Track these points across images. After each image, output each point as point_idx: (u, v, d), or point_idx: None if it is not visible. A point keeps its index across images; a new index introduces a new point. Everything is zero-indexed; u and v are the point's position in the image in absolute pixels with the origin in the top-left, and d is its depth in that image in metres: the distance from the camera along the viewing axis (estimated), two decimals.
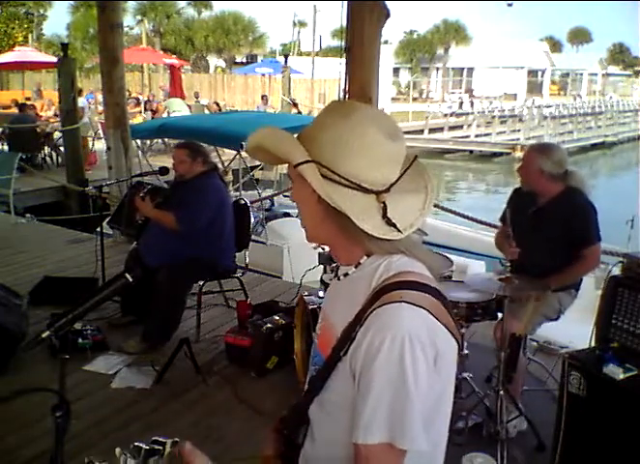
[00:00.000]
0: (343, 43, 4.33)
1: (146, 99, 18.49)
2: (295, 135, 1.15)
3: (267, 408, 3.18)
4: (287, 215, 8.02)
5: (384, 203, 1.08)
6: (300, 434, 1.18)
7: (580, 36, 75.06)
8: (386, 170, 1.10)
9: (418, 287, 1.05)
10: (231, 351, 3.84)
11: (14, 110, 13.13)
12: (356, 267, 1.15)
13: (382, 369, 0.99)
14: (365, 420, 1.00)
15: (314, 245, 5.81)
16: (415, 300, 1.03)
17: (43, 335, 1.40)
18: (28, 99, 18.76)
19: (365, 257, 1.14)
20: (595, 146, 25.78)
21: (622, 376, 2.32)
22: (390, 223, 1.07)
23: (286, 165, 1.18)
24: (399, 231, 1.08)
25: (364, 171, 1.07)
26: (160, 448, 0.89)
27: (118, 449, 0.87)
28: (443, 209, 7.00)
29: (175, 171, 4.19)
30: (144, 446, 0.88)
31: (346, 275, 1.18)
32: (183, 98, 18.31)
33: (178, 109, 16.01)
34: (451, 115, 27.87)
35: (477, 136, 24.98)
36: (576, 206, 3.09)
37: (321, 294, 3.65)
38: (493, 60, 40.91)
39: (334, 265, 1.27)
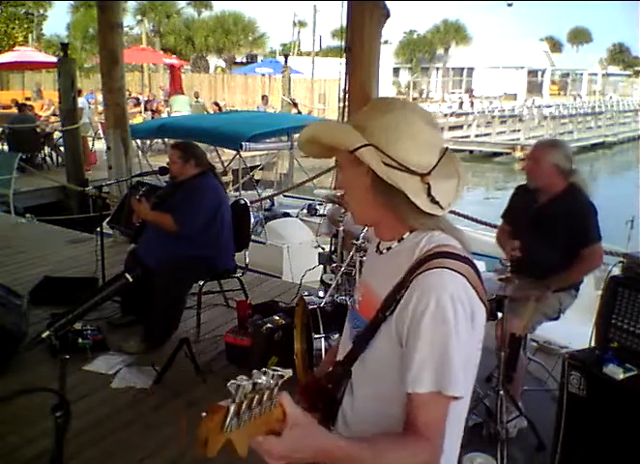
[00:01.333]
0: (343, 43, 4.33)
1: (146, 99, 18.51)
2: None
3: None
4: (287, 215, 8.03)
5: (428, 184, 1.20)
6: (341, 390, 1.27)
7: (580, 36, 75.05)
8: (429, 155, 1.23)
9: (456, 257, 1.18)
10: (231, 351, 3.84)
11: (15, 110, 13.13)
12: (399, 241, 1.27)
13: (429, 326, 1.10)
14: (415, 372, 1.11)
15: (315, 244, 5.82)
16: (454, 266, 1.15)
17: (43, 335, 1.41)
18: (28, 99, 18.76)
19: (409, 233, 1.26)
20: (595, 146, 25.79)
21: (622, 376, 2.32)
22: (434, 201, 1.20)
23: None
24: (442, 208, 1.21)
25: (412, 155, 1.20)
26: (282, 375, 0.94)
27: (256, 371, 0.91)
28: None
29: (170, 172, 4.18)
30: (270, 371, 0.93)
31: (389, 248, 1.29)
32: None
33: (178, 109, 15.99)
34: (451, 115, 27.90)
35: (477, 136, 24.99)
36: (578, 205, 3.09)
37: (321, 294, 3.65)
38: (493, 60, 40.92)
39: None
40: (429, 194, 1.20)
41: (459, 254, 1.19)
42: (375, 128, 1.21)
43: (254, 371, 0.93)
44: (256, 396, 0.92)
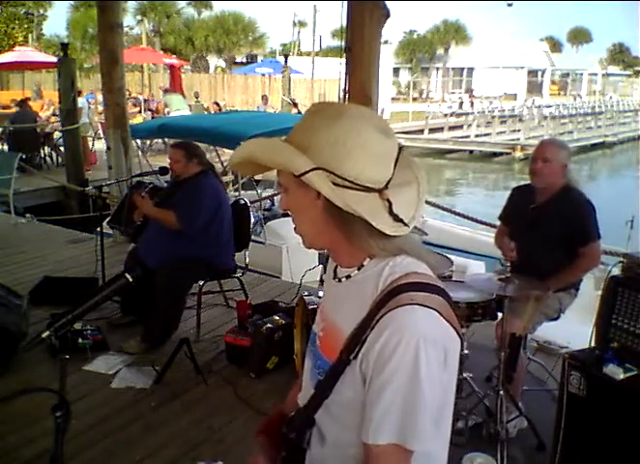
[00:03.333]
0: (343, 43, 4.33)
1: (146, 99, 18.51)
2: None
3: (267, 408, 3.18)
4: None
5: (388, 200, 1.07)
6: (305, 438, 1.18)
7: (580, 36, 75.05)
8: (383, 167, 1.09)
9: (426, 288, 1.06)
10: (231, 351, 3.84)
11: (15, 110, 13.12)
12: (358, 269, 1.15)
13: (396, 371, 1.00)
14: (376, 421, 1.02)
15: None
16: (426, 302, 1.04)
17: (43, 335, 1.40)
18: (28, 99, 18.73)
19: (368, 259, 1.13)
20: (595, 146, 25.78)
21: (622, 376, 2.32)
22: (397, 219, 1.07)
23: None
24: (406, 225, 1.09)
25: (365, 170, 1.06)
26: None
27: None
28: (443, 209, 7.00)
29: (171, 171, 4.20)
30: None
31: (348, 277, 1.17)
32: (183, 96, 18.29)
33: (178, 108, 15.96)
34: (451, 115, 27.88)
35: (477, 136, 24.98)
36: (575, 204, 3.10)
37: (321, 294, 3.65)
38: (493, 60, 40.92)
39: (335, 266, 1.26)
40: (391, 212, 1.07)
41: (429, 284, 1.07)
42: (321, 145, 1.06)
43: None
44: None
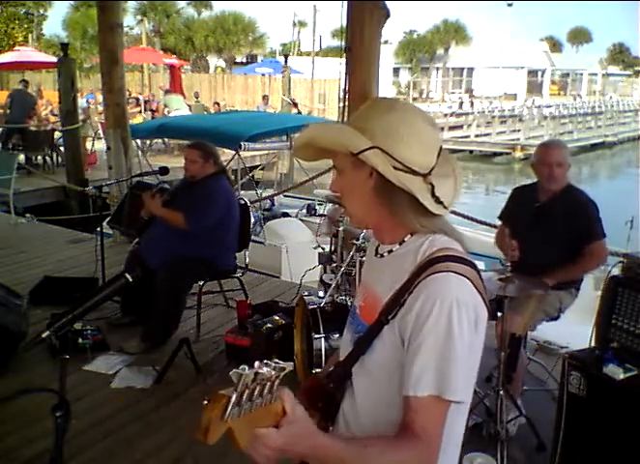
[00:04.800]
0: (343, 43, 4.33)
1: (146, 99, 18.50)
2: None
3: None
4: (286, 215, 8.02)
5: (431, 184, 1.20)
6: (341, 390, 1.27)
7: (580, 36, 75.02)
8: (430, 155, 1.22)
9: (460, 260, 1.17)
10: (231, 351, 3.84)
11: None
12: (400, 244, 1.26)
13: (432, 330, 1.10)
14: (416, 376, 1.10)
15: (314, 245, 5.83)
16: (460, 270, 1.14)
17: (44, 335, 1.41)
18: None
19: (410, 236, 1.24)
20: (595, 146, 25.79)
21: (622, 376, 2.31)
22: (438, 201, 1.20)
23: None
24: (445, 208, 1.21)
25: (414, 156, 1.19)
26: (284, 367, 0.94)
27: (257, 363, 0.92)
28: None
29: (186, 171, 4.14)
30: (272, 363, 0.93)
31: (390, 251, 1.28)
32: (183, 97, 18.29)
33: (177, 107, 15.97)
34: (451, 115, 27.90)
35: (477, 136, 25.00)
36: (580, 202, 3.12)
37: (321, 294, 3.65)
38: (493, 60, 40.91)
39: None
40: (434, 194, 1.19)
41: (464, 258, 1.18)
42: (376, 129, 1.19)
43: (256, 362, 0.93)
44: (257, 387, 0.92)
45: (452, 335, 1.09)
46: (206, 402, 0.92)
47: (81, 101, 11.97)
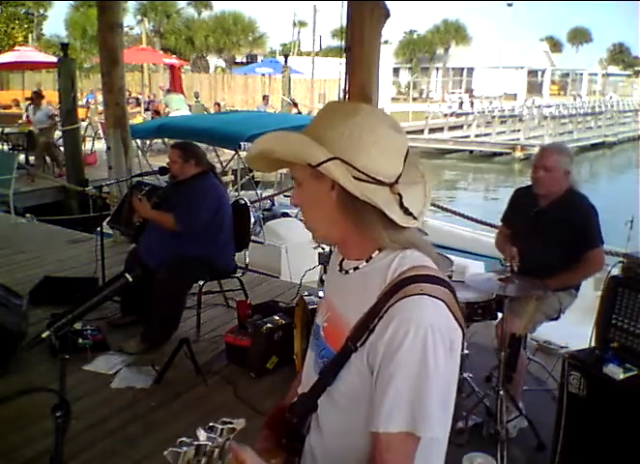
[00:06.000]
0: (343, 43, 4.33)
1: (146, 99, 18.51)
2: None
3: (267, 408, 3.18)
4: (286, 215, 8.02)
5: (399, 194, 1.11)
6: (306, 424, 1.19)
7: (580, 36, 75.00)
8: (395, 163, 1.13)
9: (434, 280, 1.09)
10: (231, 351, 3.84)
11: (15, 110, 13.13)
12: (367, 261, 1.17)
13: (405, 360, 1.02)
14: (387, 410, 1.03)
15: (314, 245, 5.83)
16: (434, 292, 1.06)
17: (43, 335, 1.40)
18: (28, 99, 18.74)
19: (377, 251, 1.16)
20: (595, 146, 25.80)
21: (622, 376, 2.31)
22: (407, 212, 1.11)
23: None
24: (415, 218, 1.12)
25: (378, 165, 1.10)
26: (233, 427, 0.90)
27: (201, 430, 0.88)
28: (443, 209, 7.00)
29: (170, 171, 4.19)
30: (219, 425, 0.89)
31: (356, 268, 1.18)
32: (183, 95, 18.29)
33: (178, 107, 15.97)
34: (451, 115, 27.90)
35: (477, 136, 25.00)
36: (579, 209, 3.08)
37: (321, 294, 3.65)
38: (493, 60, 40.90)
39: (341, 259, 1.26)
40: (402, 205, 1.10)
41: (437, 277, 1.10)
42: (336, 137, 1.09)
43: (199, 430, 0.87)
44: (203, 459, 0.87)
45: (427, 366, 1.01)
46: None
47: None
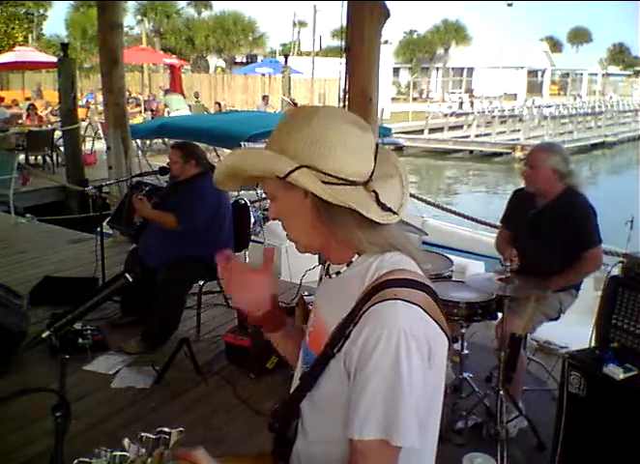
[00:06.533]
0: (343, 43, 4.32)
1: (146, 99, 18.50)
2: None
3: (266, 408, 3.18)
4: None
5: (374, 191, 1.09)
6: (291, 429, 1.19)
7: (580, 36, 75.03)
8: (363, 160, 1.11)
9: (411, 284, 1.07)
10: (231, 351, 3.84)
11: (15, 110, 13.13)
12: (348, 265, 1.16)
13: (378, 366, 1.00)
14: (361, 417, 1.01)
15: None
16: (409, 297, 1.04)
17: (43, 335, 1.40)
18: (28, 99, 18.76)
19: (357, 256, 1.15)
20: (595, 146, 25.78)
21: (622, 376, 2.32)
22: (385, 208, 1.09)
23: None
24: (395, 213, 1.10)
25: (347, 165, 1.08)
26: (167, 437, 0.88)
27: (126, 440, 0.86)
28: (443, 209, 7.01)
29: (170, 171, 4.20)
30: (152, 435, 0.86)
31: (338, 273, 1.19)
32: (183, 97, 18.29)
33: (178, 107, 15.97)
34: (451, 115, 27.86)
35: (477, 136, 24.98)
36: (576, 208, 3.08)
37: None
38: (493, 60, 40.89)
39: (327, 263, 1.27)
40: (379, 202, 1.09)
41: (414, 280, 1.08)
42: (298, 145, 1.08)
43: (125, 440, 0.86)
44: None
45: (401, 374, 0.99)
46: None
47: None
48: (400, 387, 1.00)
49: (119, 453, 0.84)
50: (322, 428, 1.14)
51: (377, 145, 1.15)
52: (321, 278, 1.29)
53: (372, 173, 1.11)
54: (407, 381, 1.00)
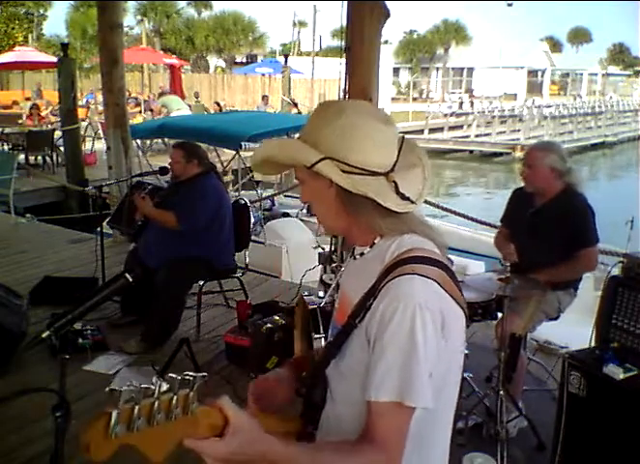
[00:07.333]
0: (343, 43, 4.33)
1: (146, 99, 18.50)
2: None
3: None
4: (286, 215, 8.03)
5: (394, 181, 1.19)
6: (316, 394, 1.27)
7: (580, 36, 75.00)
8: (388, 153, 1.21)
9: (428, 261, 1.15)
10: (231, 351, 3.84)
11: (15, 110, 13.12)
12: (370, 247, 1.26)
13: (395, 335, 1.09)
14: (378, 380, 1.10)
15: (314, 245, 5.84)
16: (425, 272, 1.13)
17: (43, 335, 1.41)
18: (28, 99, 18.75)
19: (379, 238, 1.24)
20: (595, 146, 25.78)
21: (622, 376, 2.32)
22: (404, 198, 1.19)
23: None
24: (413, 202, 1.20)
25: (370, 157, 1.18)
26: (192, 379, 0.93)
27: (155, 377, 0.89)
28: (443, 209, 6.99)
29: (172, 171, 4.20)
30: (178, 376, 0.92)
31: (362, 254, 1.29)
32: (182, 97, 18.29)
33: (178, 108, 15.96)
34: (451, 115, 27.86)
35: (477, 136, 24.98)
36: (574, 207, 3.08)
37: (321, 294, 3.65)
38: (493, 60, 40.88)
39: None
40: (398, 192, 1.18)
41: (431, 258, 1.16)
42: (326, 137, 1.18)
43: (154, 378, 0.91)
44: (156, 402, 0.90)
45: (416, 340, 1.07)
46: (90, 421, 0.93)
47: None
48: (415, 354, 1.07)
49: (146, 386, 0.87)
50: (348, 395, 1.22)
51: (403, 137, 1.25)
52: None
53: (395, 164, 1.21)
54: (422, 349, 1.07)
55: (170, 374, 0.92)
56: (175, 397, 0.91)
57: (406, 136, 1.26)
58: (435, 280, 1.12)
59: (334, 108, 1.22)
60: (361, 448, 1.09)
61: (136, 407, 0.89)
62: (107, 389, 0.89)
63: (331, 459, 1.07)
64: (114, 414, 0.90)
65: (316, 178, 1.20)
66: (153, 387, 0.89)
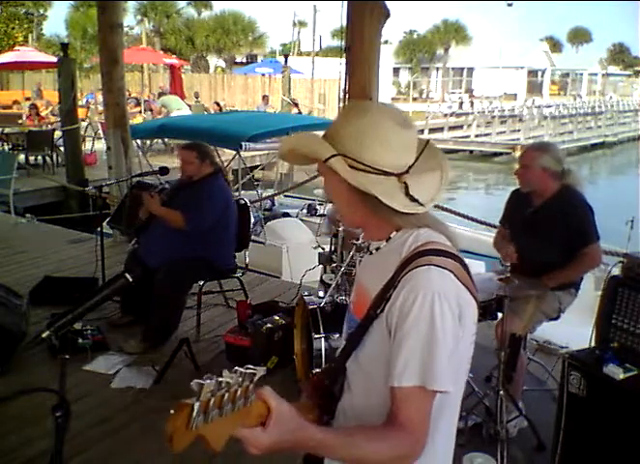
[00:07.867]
0: (343, 43, 4.33)
1: (146, 99, 18.49)
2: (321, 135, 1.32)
3: None
4: (286, 215, 8.03)
5: (405, 183, 1.23)
6: (337, 385, 1.31)
7: (580, 36, 74.96)
8: (402, 154, 1.25)
9: (443, 253, 1.20)
10: (231, 351, 3.84)
11: (15, 110, 13.11)
12: (387, 241, 1.30)
13: (415, 322, 1.14)
14: (401, 367, 1.15)
15: (314, 244, 5.83)
16: (442, 263, 1.18)
17: (43, 335, 1.41)
18: (28, 98, 18.76)
19: (395, 232, 1.29)
20: (595, 146, 25.78)
21: (622, 376, 2.32)
22: (413, 199, 1.22)
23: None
24: (422, 205, 1.23)
25: (383, 157, 1.22)
26: (254, 372, 0.99)
27: (225, 371, 0.96)
28: (443, 209, 6.99)
29: (182, 172, 4.16)
30: (243, 370, 0.97)
31: (378, 248, 1.33)
32: (182, 97, 18.28)
33: (178, 107, 15.95)
34: (451, 115, 27.86)
35: (477, 136, 24.99)
36: (572, 206, 3.07)
37: (321, 294, 3.65)
38: (493, 60, 40.88)
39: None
40: (407, 193, 1.22)
41: (446, 251, 1.21)
42: (345, 135, 1.24)
43: (224, 371, 0.95)
44: (226, 394, 0.95)
45: (435, 327, 1.13)
46: (172, 411, 0.95)
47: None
48: (435, 340, 1.13)
49: (224, 379, 0.94)
50: (366, 385, 1.26)
51: (427, 142, 1.30)
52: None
53: (410, 167, 1.25)
54: (441, 335, 1.13)
55: (236, 367, 0.96)
56: (240, 389, 0.96)
57: (431, 141, 1.30)
58: (451, 271, 1.17)
59: (357, 108, 1.28)
60: (388, 431, 1.14)
61: (212, 399, 0.93)
62: (193, 382, 0.93)
63: (363, 444, 1.11)
64: (196, 405, 0.92)
65: (332, 173, 1.24)
66: (227, 379, 0.94)
